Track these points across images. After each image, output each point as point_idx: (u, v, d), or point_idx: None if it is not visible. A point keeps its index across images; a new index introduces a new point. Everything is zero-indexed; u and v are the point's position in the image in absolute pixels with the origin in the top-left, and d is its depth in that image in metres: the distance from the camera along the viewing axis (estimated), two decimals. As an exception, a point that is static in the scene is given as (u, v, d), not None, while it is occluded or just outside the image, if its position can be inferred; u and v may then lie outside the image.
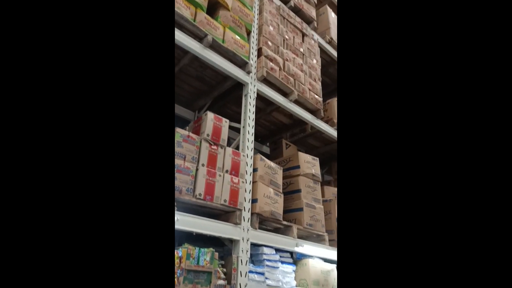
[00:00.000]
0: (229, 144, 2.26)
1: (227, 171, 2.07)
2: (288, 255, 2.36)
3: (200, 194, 1.85)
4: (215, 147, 2.06)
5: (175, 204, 1.75)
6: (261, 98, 2.82)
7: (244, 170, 2.17)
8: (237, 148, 2.33)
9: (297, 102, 2.90)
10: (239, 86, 2.63)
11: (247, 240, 2.02)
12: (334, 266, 2.53)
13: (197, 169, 1.92)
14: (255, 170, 2.28)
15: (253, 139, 2.38)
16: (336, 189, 3.11)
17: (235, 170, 2.12)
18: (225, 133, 2.14)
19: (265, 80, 2.67)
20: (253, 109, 2.46)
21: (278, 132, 3.52)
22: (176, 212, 1.70)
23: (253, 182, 2.23)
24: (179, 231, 1.76)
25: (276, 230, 2.33)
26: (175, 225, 1.70)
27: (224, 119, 2.18)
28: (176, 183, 1.78)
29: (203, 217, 1.86)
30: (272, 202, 2.26)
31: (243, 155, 2.21)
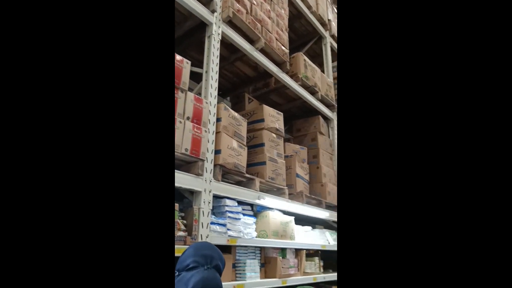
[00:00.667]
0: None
1: (188, 118, 1.88)
2: (249, 207, 2.33)
3: (158, 141, 1.65)
4: (175, 89, 1.83)
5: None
6: (225, 45, 2.57)
7: (207, 118, 2.00)
8: (199, 95, 2.12)
9: (263, 51, 2.71)
10: (201, 28, 2.34)
11: (209, 192, 1.92)
12: (292, 218, 2.59)
13: (154, 114, 1.69)
14: (218, 120, 2.12)
15: (216, 85, 2.18)
16: (297, 146, 3.12)
17: (197, 118, 1.93)
18: (186, 76, 1.91)
19: (231, 23, 2.42)
20: (217, 53, 2.22)
21: (240, 86, 3.33)
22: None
23: (216, 133, 2.08)
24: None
25: (238, 183, 2.26)
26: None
27: (185, 60, 1.93)
28: (130, 127, 1.55)
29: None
30: (236, 154, 2.16)
31: (206, 102, 2.02)
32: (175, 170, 1.75)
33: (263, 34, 2.65)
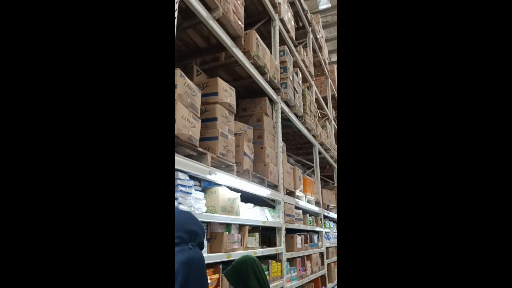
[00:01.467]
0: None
1: (143, 80, 1.68)
2: (197, 183, 2.25)
3: (109, 101, 1.44)
4: (129, 46, 1.60)
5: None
6: (179, 9, 2.36)
7: (162, 83, 1.82)
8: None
9: (219, 22, 2.59)
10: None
11: (162, 163, 1.77)
12: (238, 195, 2.61)
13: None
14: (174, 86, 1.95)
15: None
16: (244, 125, 3.12)
17: (152, 81, 1.75)
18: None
19: (190, -16, 2.22)
20: (174, 14, 2.02)
21: (188, 56, 3.13)
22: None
23: (171, 100, 1.92)
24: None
25: (189, 157, 2.15)
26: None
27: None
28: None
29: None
30: (190, 126, 2.04)
31: (163, 66, 1.83)
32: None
33: (221, 3, 2.51)
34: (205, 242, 2.12)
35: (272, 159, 3.42)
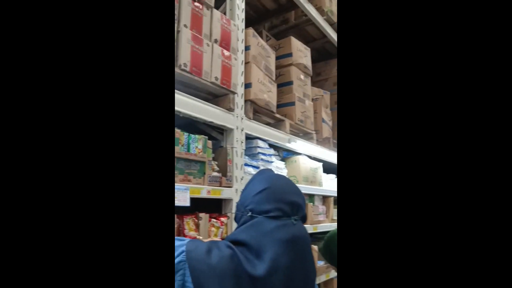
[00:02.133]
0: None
1: (216, 41, 1.56)
2: (276, 152, 2.12)
3: (185, 65, 1.36)
4: (199, 5, 1.49)
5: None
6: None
7: (235, 44, 1.69)
8: (223, 18, 1.78)
9: (290, -26, 2.31)
10: None
11: (242, 130, 1.67)
12: (320, 164, 2.41)
13: (178, 31, 1.37)
14: (247, 48, 1.81)
15: (243, 7, 1.83)
16: (320, 90, 2.84)
17: (225, 41, 1.62)
18: (211, -12, 1.55)
19: None
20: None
21: (257, 22, 2.94)
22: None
23: (245, 63, 1.78)
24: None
25: (267, 125, 2.02)
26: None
27: (210, -33, 1.56)
28: (152, 44, 1.24)
29: (191, 97, 1.41)
30: (267, 90, 1.88)
31: (234, 25, 1.69)
32: (206, 102, 1.49)
33: (290, -49, 2.23)
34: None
35: (352, 126, 3.08)
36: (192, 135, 1.39)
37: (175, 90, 1.34)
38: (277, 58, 2.25)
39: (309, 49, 2.46)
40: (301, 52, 2.33)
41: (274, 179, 0.80)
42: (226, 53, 1.58)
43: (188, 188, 1.29)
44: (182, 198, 1.25)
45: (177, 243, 0.71)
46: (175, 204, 1.21)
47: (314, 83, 3.33)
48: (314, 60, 3.46)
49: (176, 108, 1.32)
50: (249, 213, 0.74)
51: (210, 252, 0.68)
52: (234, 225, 1.54)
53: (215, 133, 1.72)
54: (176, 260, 0.68)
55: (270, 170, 0.91)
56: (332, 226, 2.38)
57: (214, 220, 1.43)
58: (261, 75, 1.86)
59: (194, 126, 1.65)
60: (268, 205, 0.73)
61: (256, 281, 0.66)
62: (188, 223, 1.34)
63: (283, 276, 0.67)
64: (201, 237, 1.29)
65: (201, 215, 1.36)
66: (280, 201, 0.74)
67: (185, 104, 1.37)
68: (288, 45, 2.27)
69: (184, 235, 1.30)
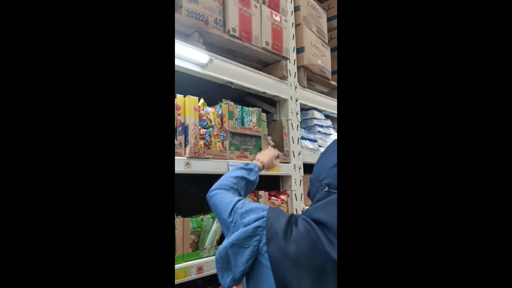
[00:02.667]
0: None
1: (264, 2, 1.40)
2: (332, 123, 1.93)
3: (234, 30, 1.23)
4: (244, -39, 1.32)
5: (201, 39, 1.14)
6: None
7: (284, 4, 1.50)
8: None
9: None
10: None
11: (296, 100, 1.52)
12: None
13: (223, -7, 1.23)
14: (297, 8, 1.61)
15: (291, -39, 1.62)
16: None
17: (274, 2, 1.45)
18: None
19: None
20: None
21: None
22: (203, 51, 1.11)
23: (296, 25, 1.59)
24: (210, 82, 1.20)
25: (321, 93, 1.83)
26: (205, 71, 1.13)
27: None
28: (198, 9, 1.12)
29: (242, 65, 1.28)
30: (320, 55, 1.69)
31: (282, -18, 1.50)
32: (257, 71, 1.35)
33: None
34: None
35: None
36: (246, 108, 1.27)
37: (225, 59, 1.22)
38: (328, 19, 2.01)
39: (363, 6, 2.17)
40: (354, 10, 2.06)
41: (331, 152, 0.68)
42: (276, 15, 1.41)
43: (246, 165, 1.19)
44: (240, 176, 1.15)
45: (257, 205, 0.70)
46: (234, 182, 1.12)
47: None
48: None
49: (227, 79, 1.21)
50: (326, 188, 0.64)
51: (288, 231, 0.62)
52: (295, 203, 1.43)
53: (267, 106, 1.59)
54: (255, 224, 0.65)
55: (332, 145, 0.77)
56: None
57: (274, 198, 1.33)
58: (314, 37, 1.66)
59: (242, 100, 1.54)
60: None
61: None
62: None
63: None
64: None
65: (261, 193, 1.26)
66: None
67: (237, 74, 1.25)
68: (340, 3, 2.01)
69: (245, 215, 1.21)
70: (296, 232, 0.62)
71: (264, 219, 0.65)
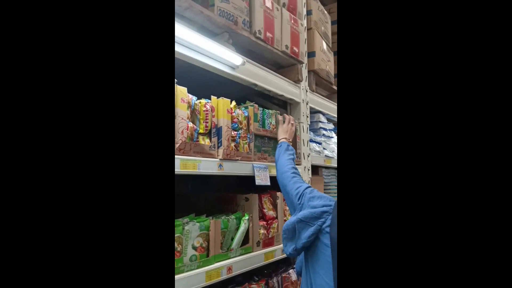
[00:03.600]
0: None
1: (284, 5, 1.41)
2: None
3: (259, 32, 1.23)
4: (268, -38, 1.32)
5: (230, 40, 1.13)
6: None
7: (301, 7, 1.53)
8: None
9: None
10: None
11: (307, 104, 1.57)
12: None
13: (250, -7, 1.23)
14: (309, 12, 1.65)
15: (306, -35, 1.64)
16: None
17: (292, 5, 1.47)
18: None
19: None
20: None
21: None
22: (236, 53, 1.10)
23: (308, 30, 1.63)
24: (239, 84, 1.20)
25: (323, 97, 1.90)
26: (235, 73, 1.13)
27: None
28: (229, 8, 1.11)
29: (265, 68, 1.29)
30: (327, 60, 1.75)
31: (299, -14, 1.52)
32: (279, 76, 1.37)
33: None
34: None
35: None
36: (267, 110, 1.29)
37: (254, 62, 1.22)
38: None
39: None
40: (354, 17, 2.15)
41: None
42: (294, 18, 1.44)
43: (267, 167, 1.22)
44: (263, 177, 1.18)
45: (323, 194, 0.84)
46: (258, 184, 1.15)
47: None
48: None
49: (253, 81, 1.22)
50: None
51: None
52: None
53: (275, 107, 1.62)
54: (323, 209, 0.78)
55: None
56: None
57: (288, 198, 1.38)
58: (323, 43, 1.71)
59: (250, 99, 1.55)
60: None
61: None
62: (266, 202, 1.28)
63: None
64: None
65: (278, 194, 1.30)
66: None
67: (259, 76, 1.26)
68: (342, 9, 2.08)
69: (264, 215, 1.25)
70: None
71: (331, 206, 0.78)
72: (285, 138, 1.22)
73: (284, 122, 1.28)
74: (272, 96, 1.44)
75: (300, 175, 1.03)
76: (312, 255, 0.78)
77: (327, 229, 0.74)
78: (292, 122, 1.28)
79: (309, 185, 0.94)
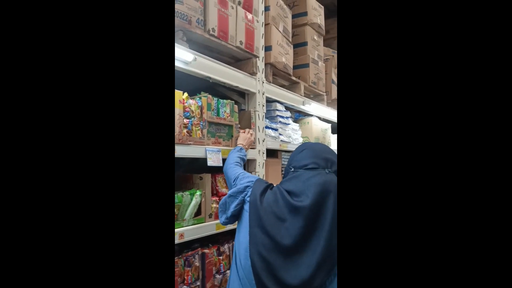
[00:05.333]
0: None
1: (239, 3, 1.55)
2: (289, 114, 2.20)
3: (213, 30, 1.37)
4: (223, -37, 1.44)
5: (185, 38, 1.27)
6: None
7: (257, 4, 1.67)
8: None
9: None
10: None
11: (263, 94, 1.73)
12: (329, 125, 2.52)
13: (205, -7, 1.36)
14: (267, 8, 1.78)
15: (264, -37, 1.76)
16: (329, 50, 2.82)
17: (248, 3, 1.60)
18: None
19: None
20: None
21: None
22: (188, 50, 1.25)
23: (265, 25, 1.77)
24: (193, 76, 1.35)
25: (282, 87, 2.07)
26: (188, 67, 1.28)
27: None
28: (183, 9, 1.24)
29: (219, 62, 1.44)
30: (284, 53, 1.90)
31: (256, -16, 1.65)
32: (232, 68, 1.52)
33: None
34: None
35: (359, 86, 3.13)
36: (221, 100, 1.45)
37: (206, 57, 1.37)
38: (292, 16, 2.22)
39: (322, 7, 2.41)
40: (315, 11, 2.29)
41: (311, 144, 1.03)
42: (249, 15, 1.58)
43: (220, 150, 1.39)
44: (215, 159, 1.36)
45: (252, 175, 1.07)
46: (210, 164, 1.32)
47: (323, 41, 3.29)
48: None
49: (206, 74, 1.37)
50: (292, 169, 0.95)
51: (264, 191, 0.94)
52: (258, 182, 1.69)
53: (236, 96, 1.78)
54: (246, 184, 0.99)
55: (310, 142, 1.10)
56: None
57: (241, 178, 1.57)
58: (280, 37, 1.86)
59: (213, 89, 1.70)
60: (306, 161, 0.93)
61: (301, 210, 0.84)
62: (220, 181, 1.47)
63: (320, 208, 0.84)
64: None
65: (231, 174, 1.48)
66: (316, 157, 0.93)
67: (214, 69, 1.41)
68: (303, 3, 2.21)
69: (218, 191, 1.44)
70: (269, 192, 0.94)
71: (253, 182, 0.99)
72: (242, 144, 1.44)
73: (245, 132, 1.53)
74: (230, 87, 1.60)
75: (241, 166, 1.25)
76: (239, 220, 0.98)
77: (248, 199, 0.94)
78: (252, 133, 1.53)
79: (244, 171, 1.15)
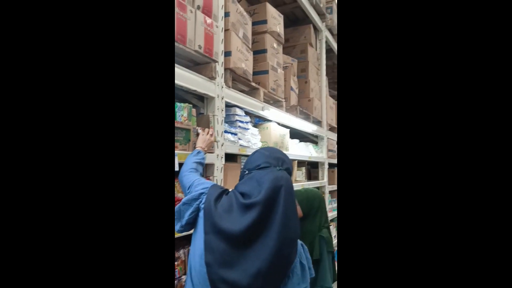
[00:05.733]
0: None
1: (198, 7, 1.55)
2: (249, 119, 2.23)
3: (171, 32, 1.35)
4: (182, -33, 1.43)
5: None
6: None
7: (216, 10, 1.68)
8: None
9: None
10: None
11: (222, 98, 1.74)
12: (288, 131, 2.60)
13: (162, -5, 1.33)
14: (226, 14, 1.80)
15: (224, -30, 1.78)
16: (289, 58, 2.92)
17: (207, 8, 1.60)
18: None
19: None
20: None
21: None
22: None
23: (225, 30, 1.79)
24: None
25: (242, 92, 2.09)
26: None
27: None
28: (138, 9, 1.21)
29: (177, 65, 1.42)
30: (244, 59, 1.93)
31: (216, -10, 1.66)
32: (192, 72, 1.51)
33: None
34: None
35: (316, 94, 3.28)
36: (178, 103, 1.43)
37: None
38: (253, 24, 2.26)
39: (282, 16, 2.49)
40: (275, 20, 2.36)
41: (264, 148, 1.08)
42: (208, 20, 1.58)
43: (176, 154, 1.37)
44: (172, 164, 1.33)
45: (207, 181, 1.06)
46: (166, 170, 1.29)
47: (282, 49, 3.39)
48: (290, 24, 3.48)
49: (163, 77, 1.34)
50: (246, 172, 1.00)
51: (219, 197, 0.95)
52: (216, 187, 1.68)
53: (195, 100, 1.76)
54: (200, 191, 0.98)
55: (262, 148, 1.14)
56: (295, 186, 2.65)
57: (199, 183, 1.55)
58: (240, 43, 1.89)
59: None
60: (258, 161, 0.99)
61: (254, 205, 0.87)
62: (176, 186, 1.44)
63: (273, 203, 0.88)
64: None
65: (188, 179, 1.46)
66: (267, 157, 0.99)
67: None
68: (263, 11, 2.27)
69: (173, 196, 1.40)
70: (225, 197, 0.95)
71: (207, 189, 0.98)
72: (201, 147, 1.40)
73: (204, 133, 1.48)
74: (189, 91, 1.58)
75: (198, 172, 1.21)
76: (194, 227, 0.98)
77: (202, 206, 0.94)
78: (211, 133, 1.49)
79: (199, 177, 1.13)
